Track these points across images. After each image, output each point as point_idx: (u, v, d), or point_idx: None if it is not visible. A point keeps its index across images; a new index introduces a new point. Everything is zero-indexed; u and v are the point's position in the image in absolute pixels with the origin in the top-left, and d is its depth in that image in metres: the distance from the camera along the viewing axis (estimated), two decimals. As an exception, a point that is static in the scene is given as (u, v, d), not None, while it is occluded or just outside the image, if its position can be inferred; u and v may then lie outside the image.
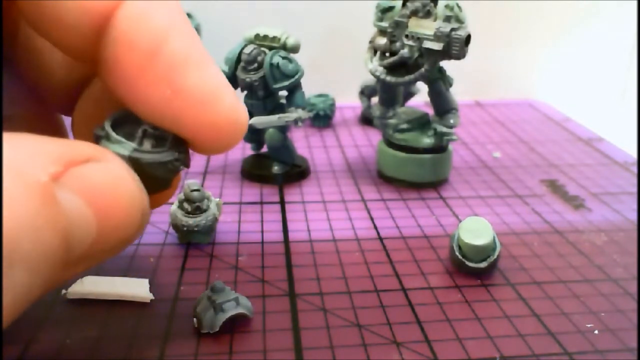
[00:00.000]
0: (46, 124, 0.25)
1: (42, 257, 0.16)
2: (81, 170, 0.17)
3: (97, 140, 0.20)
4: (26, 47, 0.23)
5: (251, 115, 0.38)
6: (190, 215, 0.31)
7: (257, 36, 0.38)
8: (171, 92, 0.19)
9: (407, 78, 0.37)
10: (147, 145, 0.21)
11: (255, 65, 0.37)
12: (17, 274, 0.15)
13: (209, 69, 0.20)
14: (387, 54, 0.38)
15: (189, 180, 0.32)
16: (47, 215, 0.16)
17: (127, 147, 0.20)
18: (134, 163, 0.20)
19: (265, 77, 0.37)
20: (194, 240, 0.32)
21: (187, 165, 0.22)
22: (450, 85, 0.39)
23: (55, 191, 0.16)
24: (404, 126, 0.40)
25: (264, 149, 0.42)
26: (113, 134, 0.20)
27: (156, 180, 0.21)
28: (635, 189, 0.40)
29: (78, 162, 0.17)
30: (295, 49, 0.38)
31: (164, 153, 0.21)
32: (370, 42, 0.39)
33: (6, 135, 0.17)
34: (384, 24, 0.38)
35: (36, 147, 0.17)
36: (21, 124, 0.24)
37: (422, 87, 0.43)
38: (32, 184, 0.16)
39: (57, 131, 0.25)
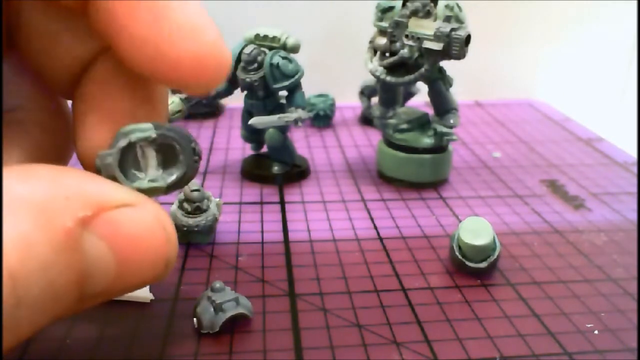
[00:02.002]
0: (50, 113, 0.25)
1: (51, 299, 0.16)
2: (111, 216, 0.18)
3: None
4: (30, 34, 0.23)
5: (251, 116, 0.38)
6: (190, 215, 0.31)
7: (257, 36, 0.38)
8: (152, 20, 0.19)
9: (407, 78, 0.37)
10: (152, 159, 0.21)
11: (255, 65, 0.37)
12: (23, 314, 0.16)
13: (193, 2, 0.20)
14: (387, 54, 0.38)
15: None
16: (64, 262, 0.16)
17: (160, 182, 0.21)
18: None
19: (265, 77, 0.37)
20: (194, 240, 0.32)
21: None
22: (450, 85, 0.39)
23: (80, 236, 0.17)
24: (404, 126, 0.40)
25: (264, 149, 0.42)
26: (143, 183, 0.20)
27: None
28: (635, 189, 0.40)
29: (111, 207, 0.18)
30: (295, 49, 0.38)
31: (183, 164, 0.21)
32: (370, 42, 0.39)
33: (52, 170, 0.18)
34: (384, 24, 0.38)
35: (75, 187, 0.17)
36: (26, 115, 0.23)
37: (422, 87, 0.42)
38: (56, 230, 0.16)
39: (61, 120, 0.25)
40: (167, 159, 0.21)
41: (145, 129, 0.20)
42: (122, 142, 0.20)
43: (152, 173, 0.21)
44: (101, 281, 0.18)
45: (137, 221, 0.19)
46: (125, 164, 0.20)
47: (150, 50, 0.19)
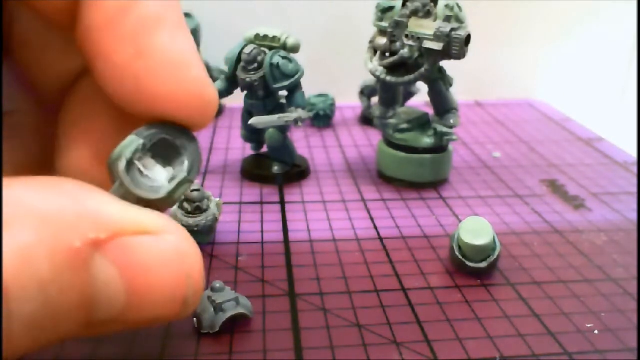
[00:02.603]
0: (44, 119, 0.24)
1: (50, 319, 0.16)
2: (127, 242, 0.17)
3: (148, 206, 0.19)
4: (22, 42, 0.22)
5: (251, 116, 0.38)
6: (190, 215, 0.31)
7: (257, 36, 0.38)
8: (135, 52, 0.18)
9: (407, 78, 0.37)
10: (156, 167, 0.20)
11: (255, 65, 0.37)
12: (15, 328, 0.15)
13: (180, 35, 0.19)
14: (387, 54, 0.38)
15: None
16: (66, 281, 0.16)
17: (180, 175, 0.20)
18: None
19: (265, 77, 0.37)
20: (194, 240, 0.32)
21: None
22: (450, 85, 0.39)
23: (90, 257, 0.16)
24: (404, 126, 0.40)
25: (264, 149, 0.42)
26: (167, 187, 0.20)
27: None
28: (635, 189, 0.40)
29: (129, 233, 0.17)
30: (295, 49, 0.38)
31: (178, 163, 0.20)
32: (370, 42, 0.39)
33: (76, 187, 0.17)
34: (384, 24, 0.38)
35: (93, 207, 0.17)
36: (20, 119, 0.23)
37: (422, 87, 0.43)
38: (61, 247, 0.16)
39: (55, 126, 0.25)
40: (167, 158, 0.20)
41: (130, 142, 0.19)
42: (122, 164, 0.19)
43: (165, 175, 0.20)
44: (109, 309, 0.17)
45: (153, 251, 0.18)
46: (137, 184, 0.19)
47: (129, 83, 0.19)
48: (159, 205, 0.20)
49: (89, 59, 0.20)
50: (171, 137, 0.20)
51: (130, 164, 0.19)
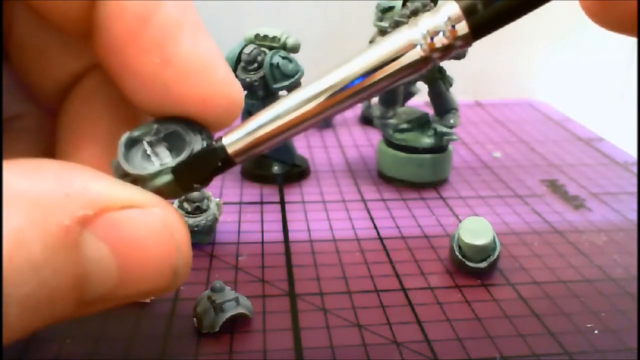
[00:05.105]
0: (47, 123, 0.24)
1: (45, 299, 0.16)
2: (115, 217, 0.17)
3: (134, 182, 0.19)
4: (21, 46, 0.22)
5: (251, 115, 0.38)
6: (190, 215, 0.31)
7: (257, 36, 0.38)
8: (161, 60, 0.19)
9: (407, 78, 0.37)
10: (164, 153, 0.20)
11: (255, 65, 0.37)
12: (11, 312, 0.15)
13: (202, 38, 0.19)
14: (387, 54, 0.38)
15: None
16: (59, 261, 0.16)
17: (171, 163, 0.20)
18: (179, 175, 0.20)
19: (265, 77, 0.37)
20: (194, 240, 0.31)
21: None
22: (450, 85, 0.39)
23: (79, 235, 0.16)
24: (404, 126, 0.40)
25: (264, 149, 0.42)
26: (153, 167, 0.19)
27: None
28: (635, 189, 0.40)
29: (116, 208, 0.17)
30: (295, 49, 0.38)
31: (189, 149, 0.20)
32: (370, 42, 0.39)
33: (59, 165, 0.17)
34: (384, 24, 0.38)
35: (78, 184, 0.17)
36: (32, 122, 0.23)
37: (422, 87, 0.42)
38: (52, 227, 0.16)
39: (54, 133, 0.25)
40: (180, 152, 0.20)
41: (144, 124, 0.20)
42: (123, 137, 0.19)
43: (165, 161, 0.20)
44: (102, 285, 0.17)
45: (142, 224, 0.18)
46: (129, 159, 0.20)
47: (158, 91, 0.19)
48: (143, 186, 0.20)
49: (112, 72, 0.20)
50: (184, 130, 0.20)
51: (136, 142, 0.20)
